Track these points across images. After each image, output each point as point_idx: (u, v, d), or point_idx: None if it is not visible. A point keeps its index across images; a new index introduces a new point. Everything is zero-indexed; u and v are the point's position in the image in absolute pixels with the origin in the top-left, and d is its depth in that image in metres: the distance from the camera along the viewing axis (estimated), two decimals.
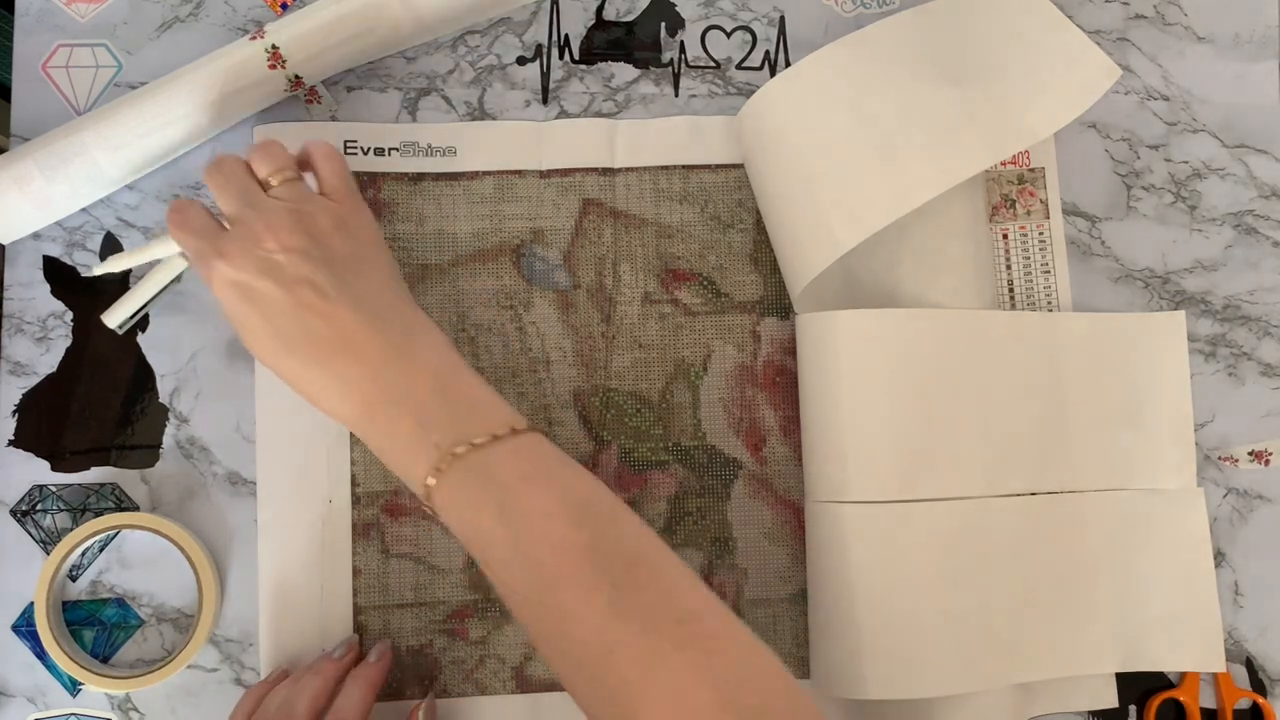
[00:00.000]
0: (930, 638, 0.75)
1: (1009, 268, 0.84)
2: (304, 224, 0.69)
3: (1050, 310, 0.83)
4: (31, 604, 0.78)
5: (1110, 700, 0.81)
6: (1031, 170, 0.85)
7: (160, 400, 0.81)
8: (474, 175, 0.83)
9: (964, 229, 0.83)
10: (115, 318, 0.80)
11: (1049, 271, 0.84)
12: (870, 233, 0.75)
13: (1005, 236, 0.84)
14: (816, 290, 0.80)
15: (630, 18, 0.85)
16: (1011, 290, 0.84)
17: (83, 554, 0.79)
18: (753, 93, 0.83)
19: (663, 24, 0.85)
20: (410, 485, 0.68)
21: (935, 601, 0.76)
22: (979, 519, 0.77)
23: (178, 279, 0.81)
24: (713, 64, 0.85)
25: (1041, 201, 0.84)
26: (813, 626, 0.79)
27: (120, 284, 0.81)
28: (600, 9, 0.85)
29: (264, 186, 0.72)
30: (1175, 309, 0.84)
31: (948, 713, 0.78)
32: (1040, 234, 0.84)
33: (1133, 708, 0.81)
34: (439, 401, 0.67)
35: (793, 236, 0.79)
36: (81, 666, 0.76)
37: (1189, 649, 0.80)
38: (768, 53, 0.85)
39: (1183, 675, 0.81)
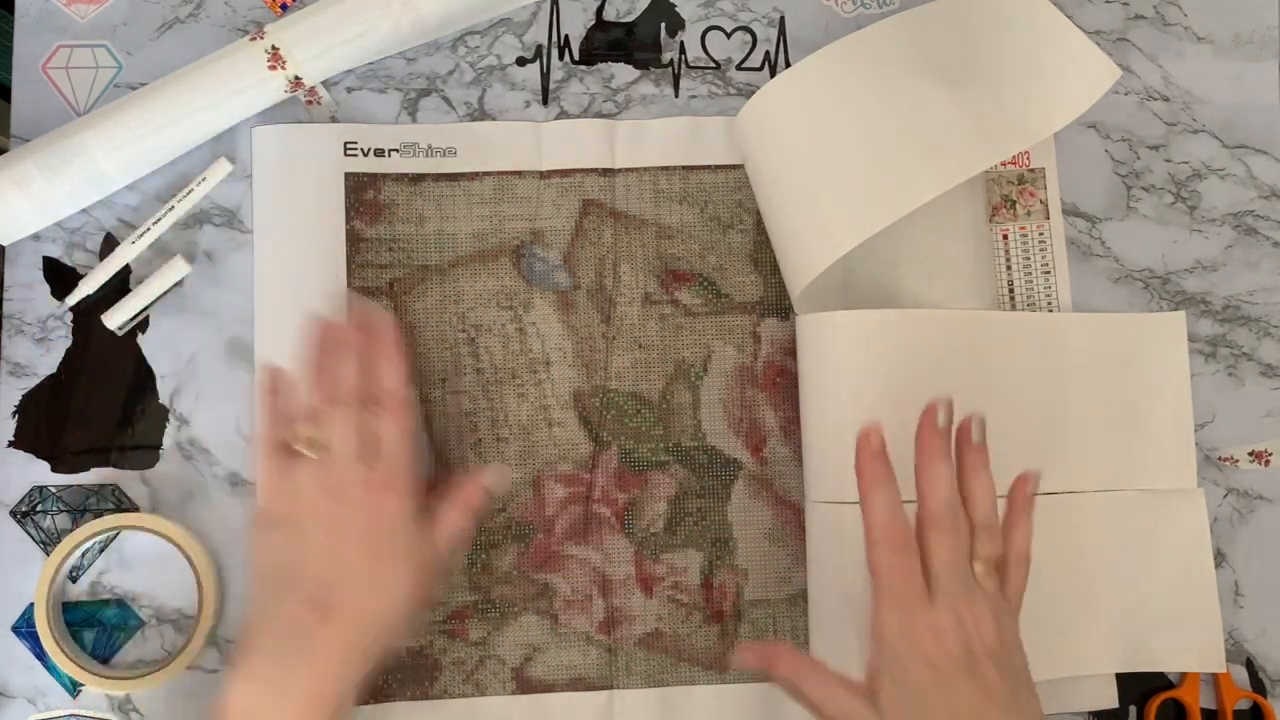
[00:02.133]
0: None
1: (1009, 268, 0.84)
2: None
3: (1050, 311, 0.83)
4: (31, 605, 0.78)
5: (1110, 700, 0.81)
6: (1031, 170, 0.84)
7: (160, 401, 0.81)
8: (474, 176, 0.83)
9: (964, 229, 0.83)
10: (116, 319, 0.80)
11: (1049, 272, 0.84)
12: (870, 234, 0.75)
13: (1005, 237, 0.84)
14: (816, 291, 0.80)
15: (630, 18, 0.85)
16: (1011, 290, 0.84)
17: (83, 555, 0.79)
18: (753, 93, 0.83)
19: (663, 24, 0.85)
20: None
21: None
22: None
23: (179, 283, 0.81)
24: (713, 64, 0.85)
25: (1041, 202, 0.84)
26: (811, 627, 0.79)
27: (120, 287, 0.81)
28: (600, 9, 0.85)
29: None
30: (1175, 309, 0.84)
31: None
32: (1040, 234, 0.84)
33: (1133, 708, 0.81)
34: None
35: (792, 237, 0.79)
36: (81, 667, 0.76)
37: (1189, 649, 0.80)
38: (768, 53, 0.85)
39: (1183, 675, 0.81)
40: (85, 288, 0.80)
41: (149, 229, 0.81)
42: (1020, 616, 0.77)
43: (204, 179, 0.81)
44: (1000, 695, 0.64)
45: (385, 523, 0.70)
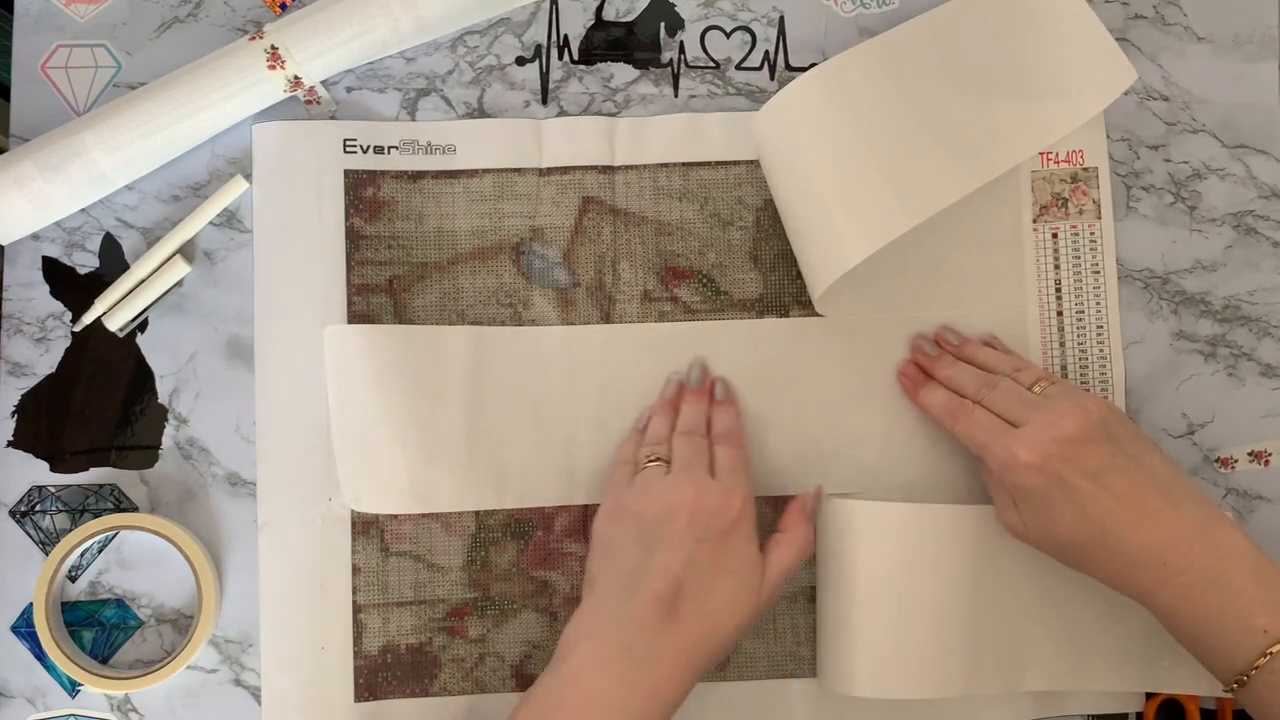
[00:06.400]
0: (926, 640, 0.76)
1: (1057, 267, 0.83)
2: (1092, 419, 0.72)
3: (1099, 308, 0.84)
4: (31, 605, 0.78)
5: (1111, 705, 0.81)
6: (1085, 169, 0.84)
7: (159, 401, 0.81)
8: (473, 173, 0.83)
9: (999, 234, 0.83)
10: (116, 320, 0.80)
11: (1098, 272, 0.84)
12: (886, 241, 0.74)
13: (1055, 235, 0.84)
14: (838, 293, 0.80)
15: (630, 18, 0.85)
16: (1059, 290, 0.83)
17: (82, 555, 0.79)
18: (753, 93, 0.83)
19: (662, 24, 0.85)
20: (1215, 669, 0.69)
21: (935, 605, 0.76)
22: (989, 527, 0.77)
23: (179, 283, 0.81)
24: (712, 64, 0.85)
25: (1094, 201, 0.84)
26: (819, 623, 0.79)
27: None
28: (600, 9, 0.85)
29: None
30: (1175, 310, 0.84)
31: (947, 713, 0.79)
32: (1091, 234, 0.84)
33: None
34: (1257, 587, 0.68)
35: (812, 240, 0.78)
36: (81, 667, 0.76)
37: (1198, 671, 0.78)
38: (767, 53, 0.85)
39: None
40: (99, 307, 0.80)
41: (161, 246, 0.81)
42: (1021, 623, 0.78)
43: (218, 197, 0.82)
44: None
45: (731, 540, 0.72)
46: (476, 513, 0.81)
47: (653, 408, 0.81)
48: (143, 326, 0.81)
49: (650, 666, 0.68)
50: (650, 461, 0.75)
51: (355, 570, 0.80)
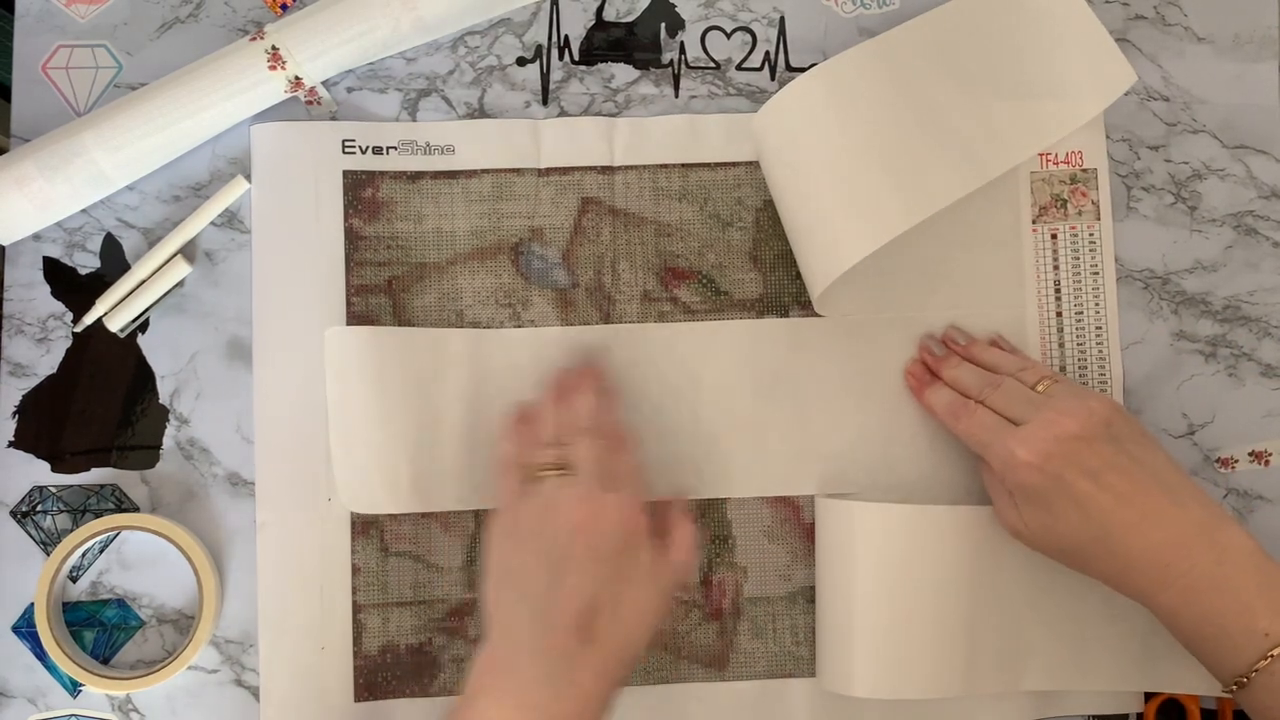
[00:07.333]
0: (925, 641, 0.76)
1: (1056, 268, 0.83)
2: (1094, 417, 0.72)
3: (1098, 313, 0.84)
4: (32, 605, 0.78)
5: (1111, 705, 0.81)
6: (1084, 171, 0.84)
7: (160, 401, 0.81)
8: (472, 174, 0.83)
9: (999, 235, 0.83)
10: (117, 321, 0.80)
11: (1098, 273, 0.84)
12: (885, 241, 0.75)
13: (1054, 236, 0.84)
14: (837, 293, 0.80)
15: (630, 18, 0.85)
16: (1058, 291, 0.83)
17: (83, 555, 0.79)
18: (753, 94, 0.83)
19: (663, 25, 0.85)
20: (1215, 670, 0.69)
21: (935, 606, 0.76)
22: (989, 528, 0.77)
23: (180, 284, 0.81)
24: (712, 65, 0.85)
25: (1093, 203, 0.84)
26: (818, 623, 0.80)
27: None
28: (600, 10, 0.85)
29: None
30: (1175, 310, 0.84)
31: (947, 713, 0.79)
32: (1090, 235, 0.84)
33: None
34: (1259, 589, 0.68)
35: (811, 240, 0.78)
36: (82, 667, 0.77)
37: (1198, 671, 0.79)
38: (768, 53, 0.85)
39: None
40: (100, 307, 0.81)
41: (162, 247, 0.81)
42: (1020, 626, 0.78)
43: (219, 197, 0.82)
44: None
45: (635, 548, 0.70)
46: (476, 512, 0.81)
47: (527, 403, 0.78)
48: (144, 327, 0.81)
49: (571, 695, 0.66)
50: (546, 470, 0.72)
51: (355, 570, 0.80)
